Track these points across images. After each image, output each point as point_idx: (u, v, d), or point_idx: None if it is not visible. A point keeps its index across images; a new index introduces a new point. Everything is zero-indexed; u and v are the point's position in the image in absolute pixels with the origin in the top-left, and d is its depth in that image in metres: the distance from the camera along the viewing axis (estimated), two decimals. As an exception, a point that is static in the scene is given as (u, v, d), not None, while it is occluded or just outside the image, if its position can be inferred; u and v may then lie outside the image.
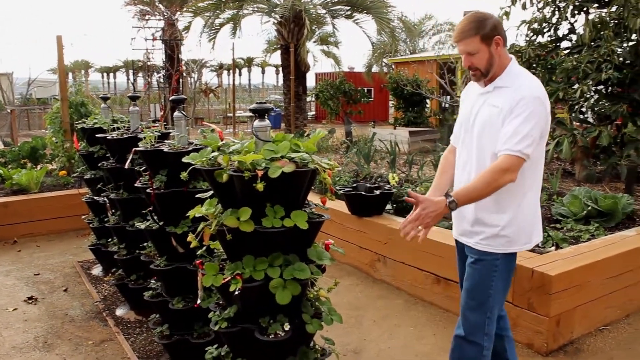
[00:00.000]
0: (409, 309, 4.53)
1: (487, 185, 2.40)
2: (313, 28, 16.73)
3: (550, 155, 7.15)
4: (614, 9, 7.12)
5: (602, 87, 7.64)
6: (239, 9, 16.23)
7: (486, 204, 2.57)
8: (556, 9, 8.04)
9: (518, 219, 2.58)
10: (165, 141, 3.61)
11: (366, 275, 5.32)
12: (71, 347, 3.90)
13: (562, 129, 7.55)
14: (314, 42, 21.17)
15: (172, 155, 3.22)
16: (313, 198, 2.59)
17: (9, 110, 15.98)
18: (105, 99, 5.32)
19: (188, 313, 3.36)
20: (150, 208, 3.52)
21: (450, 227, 4.76)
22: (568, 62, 7.29)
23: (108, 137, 4.30)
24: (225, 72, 40.04)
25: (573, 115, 7.88)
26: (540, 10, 8.21)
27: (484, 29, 2.48)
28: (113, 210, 4.59)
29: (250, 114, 2.44)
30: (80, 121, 5.46)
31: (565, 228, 4.89)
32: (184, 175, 2.76)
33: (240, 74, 62.01)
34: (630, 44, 7.43)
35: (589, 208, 5.07)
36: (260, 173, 2.17)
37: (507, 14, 8.28)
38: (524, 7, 8.29)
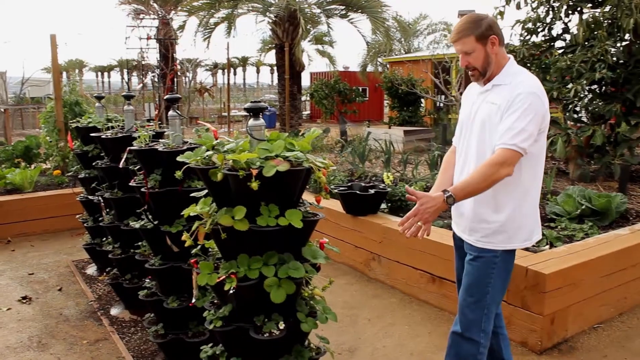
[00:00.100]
0: (403, 307, 4.54)
1: (484, 179, 2.42)
2: (308, 27, 16.71)
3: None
4: (607, 9, 7.14)
5: (595, 86, 7.67)
6: (234, 8, 16.20)
7: (486, 200, 2.59)
8: (550, 8, 8.07)
9: (518, 215, 2.60)
10: (160, 140, 3.60)
11: (361, 274, 5.32)
12: (66, 347, 3.89)
13: (556, 128, 7.58)
14: (309, 41, 21.16)
15: (167, 154, 3.22)
16: (308, 197, 2.60)
17: (2, 110, 15.91)
18: (99, 98, 5.31)
19: (183, 312, 3.36)
20: (145, 207, 3.52)
21: (445, 226, 4.78)
22: (562, 61, 7.31)
23: (102, 137, 4.30)
24: (220, 71, 39.93)
25: (567, 114, 7.91)
26: (535, 10, 8.23)
27: (479, 29, 2.53)
28: (107, 210, 4.58)
29: (245, 113, 2.44)
30: (74, 120, 5.44)
31: (559, 227, 4.91)
32: (178, 174, 2.75)
33: (235, 74, 61.94)
34: (624, 43, 7.47)
35: (583, 207, 5.09)
36: (254, 172, 2.17)
37: (501, 13, 8.30)
38: (518, 6, 8.32)
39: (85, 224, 5.15)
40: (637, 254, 4.38)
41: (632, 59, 7.21)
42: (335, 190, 5.43)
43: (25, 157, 8.17)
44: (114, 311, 4.45)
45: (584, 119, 8.02)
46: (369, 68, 24.59)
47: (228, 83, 17.09)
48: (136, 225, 3.59)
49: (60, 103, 7.64)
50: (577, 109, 7.91)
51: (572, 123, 8.06)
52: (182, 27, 16.19)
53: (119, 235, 4.33)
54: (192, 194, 2.65)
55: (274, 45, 17.14)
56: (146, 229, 3.48)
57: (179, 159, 2.51)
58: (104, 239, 4.85)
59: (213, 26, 16.47)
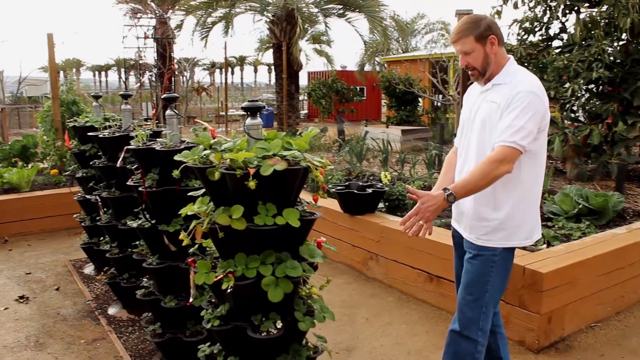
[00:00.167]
0: (401, 306, 4.54)
1: (484, 177, 2.43)
2: (305, 27, 16.72)
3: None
4: (604, 8, 7.16)
5: (592, 86, 7.70)
6: (231, 7, 16.20)
7: (486, 198, 2.60)
8: (547, 8, 8.09)
9: (518, 213, 2.61)
10: (157, 139, 3.60)
11: (359, 273, 5.33)
12: (63, 346, 3.89)
13: (553, 128, 7.59)
14: (307, 40, 21.16)
15: (164, 153, 3.22)
16: (305, 196, 2.60)
17: (-1, 109, 15.87)
18: (97, 97, 5.31)
19: (180, 311, 3.36)
20: (142, 206, 3.51)
21: (443, 225, 4.78)
22: (559, 61, 7.33)
23: (100, 136, 4.29)
24: (217, 70, 39.93)
25: (564, 113, 7.93)
26: (532, 10, 8.26)
27: (478, 29, 2.56)
28: (105, 209, 4.57)
29: (243, 113, 2.45)
30: (71, 119, 5.43)
31: (556, 226, 4.92)
32: (176, 173, 2.75)
33: (232, 73, 61.93)
34: (621, 43, 7.49)
35: (580, 206, 5.10)
36: (252, 171, 2.17)
37: (499, 12, 8.32)
38: (515, 6, 8.34)
39: (82, 224, 5.14)
40: (634, 253, 4.39)
41: (629, 58, 7.23)
42: (333, 190, 5.43)
43: (22, 157, 8.15)
44: (111, 310, 4.45)
45: (581, 118, 8.04)
46: (367, 67, 24.59)
47: (225, 82, 17.08)
48: (134, 224, 3.59)
49: (57, 102, 7.63)
50: (575, 108, 7.94)
51: (569, 122, 8.08)
52: (179, 26, 16.18)
53: (117, 235, 4.32)
54: (189, 193, 2.65)
55: (271, 45, 17.14)
56: (144, 228, 3.48)
57: (177, 158, 2.51)
58: (102, 238, 4.85)
59: (210, 25, 16.47)
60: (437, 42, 28.64)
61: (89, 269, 5.38)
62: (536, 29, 8.36)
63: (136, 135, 3.54)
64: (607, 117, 7.54)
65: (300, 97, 22.19)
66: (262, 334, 2.33)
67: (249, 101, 2.44)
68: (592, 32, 7.25)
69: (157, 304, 3.44)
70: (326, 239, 2.67)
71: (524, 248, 4.06)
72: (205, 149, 2.43)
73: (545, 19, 8.20)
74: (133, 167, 3.62)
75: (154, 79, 13.22)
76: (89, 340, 3.97)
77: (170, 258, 3.40)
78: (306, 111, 27.08)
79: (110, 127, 4.50)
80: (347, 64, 27.27)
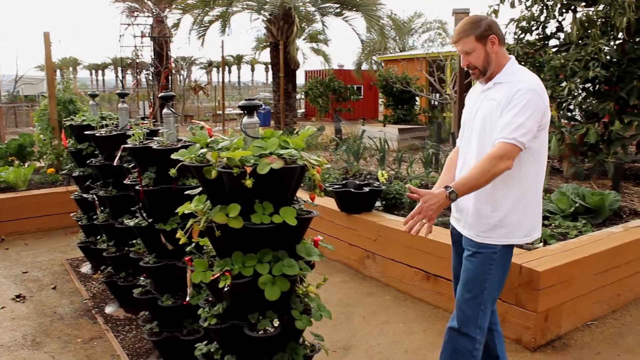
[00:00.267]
0: (398, 305, 4.55)
1: (484, 173, 2.45)
2: (302, 25, 16.68)
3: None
4: (600, 7, 7.18)
5: (589, 85, 7.71)
6: (228, 6, 16.17)
7: (486, 196, 2.62)
8: (544, 7, 8.10)
9: (518, 211, 2.63)
10: (154, 138, 3.60)
11: (355, 271, 5.33)
12: (60, 345, 3.88)
13: (550, 127, 7.60)
14: (304, 39, 21.11)
15: (161, 152, 3.22)
16: (302, 195, 2.60)
17: (-5, 108, 15.84)
18: (93, 96, 5.30)
19: (177, 310, 3.36)
20: (139, 205, 3.51)
21: (440, 224, 4.79)
22: (556, 60, 7.34)
23: (97, 135, 4.29)
24: (214, 69, 39.94)
25: (561, 112, 7.95)
26: (529, 9, 8.27)
27: (478, 29, 2.60)
28: (102, 208, 4.57)
29: (240, 112, 2.44)
30: (68, 118, 5.42)
31: (553, 225, 4.93)
32: (172, 172, 2.75)
33: (229, 72, 61.82)
34: (617, 42, 7.51)
35: (577, 205, 5.11)
36: (249, 169, 2.17)
37: (495, 12, 8.33)
38: (512, 5, 8.35)
39: (79, 222, 5.13)
40: (630, 251, 4.40)
41: (625, 57, 7.25)
42: (330, 188, 5.44)
43: (18, 156, 8.14)
44: (108, 309, 4.45)
45: (578, 117, 8.06)
46: (364, 66, 24.60)
47: (223, 81, 17.08)
48: (130, 223, 3.59)
49: (54, 101, 7.62)
50: (571, 107, 7.95)
51: (566, 121, 8.10)
52: (176, 25, 16.15)
53: (114, 234, 4.32)
54: (186, 192, 2.65)
55: (268, 44, 17.11)
56: (140, 227, 3.48)
57: (173, 156, 2.51)
58: (99, 237, 4.84)
59: (208, 24, 16.44)
60: (434, 41, 28.58)
61: (86, 268, 5.38)
62: (533, 28, 8.38)
63: (133, 134, 3.54)
64: (603, 116, 7.56)
65: (298, 96, 22.18)
66: (259, 333, 2.34)
67: (245, 100, 2.44)
68: (589, 31, 7.26)
69: (154, 303, 3.44)
70: (323, 237, 2.68)
71: (520, 246, 4.08)
72: (202, 148, 2.43)
73: (542, 18, 8.21)
74: (130, 166, 3.61)
75: (151, 77, 13.20)
76: (85, 339, 3.96)
77: (167, 257, 3.40)
78: (303, 110, 27.08)
79: (107, 125, 4.49)
80: (344, 62, 27.34)
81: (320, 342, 2.67)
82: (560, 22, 8.20)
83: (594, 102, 7.53)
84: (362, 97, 24.32)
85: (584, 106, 7.75)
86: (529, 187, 2.64)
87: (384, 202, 5.60)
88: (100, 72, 61.72)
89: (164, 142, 3.33)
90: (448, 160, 3.01)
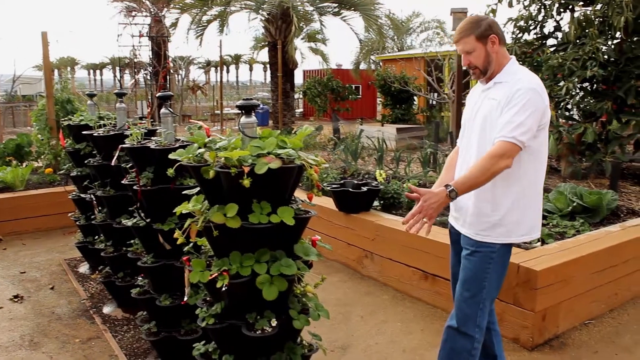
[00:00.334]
0: (396, 304, 4.55)
1: (484, 172, 2.47)
2: (301, 25, 16.67)
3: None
4: (598, 7, 7.19)
5: (587, 84, 7.72)
6: (227, 5, 16.17)
7: (485, 194, 2.63)
8: (542, 6, 8.11)
9: (517, 210, 2.64)
10: (152, 138, 3.59)
11: (354, 271, 5.33)
12: (58, 345, 3.88)
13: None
14: (302, 39, 21.12)
15: (159, 152, 3.21)
16: (300, 194, 2.60)
17: (-7, 108, 15.83)
18: (91, 95, 5.30)
19: (175, 310, 3.35)
20: (137, 205, 3.51)
21: (438, 224, 4.79)
22: (554, 59, 7.35)
23: (94, 134, 4.28)
24: (212, 69, 39.86)
25: (559, 112, 7.96)
26: (527, 8, 8.28)
27: (478, 29, 2.62)
28: (100, 208, 4.57)
29: (238, 111, 2.45)
30: (66, 118, 5.42)
31: (550, 224, 4.94)
32: (170, 171, 2.75)
33: (228, 71, 61.82)
34: (615, 41, 7.52)
35: (574, 204, 5.12)
36: (246, 169, 2.17)
37: (493, 11, 8.34)
38: (510, 4, 8.36)
39: (77, 222, 5.13)
40: (627, 250, 4.41)
41: (623, 56, 7.26)
42: (328, 188, 5.44)
43: (16, 155, 8.13)
44: (106, 309, 4.44)
45: (576, 117, 8.07)
46: (362, 66, 24.61)
47: (221, 81, 17.06)
48: (128, 223, 3.59)
49: (51, 101, 7.61)
50: (569, 106, 7.96)
51: (563, 120, 8.11)
52: (174, 25, 16.15)
53: (112, 234, 4.32)
54: (184, 192, 2.65)
55: (266, 43, 17.12)
56: (138, 226, 3.48)
57: (171, 156, 2.51)
58: (97, 237, 4.84)
59: (206, 24, 16.45)
60: (432, 41, 28.57)
61: (84, 268, 5.38)
62: (531, 28, 8.39)
63: (131, 134, 3.54)
64: (601, 116, 7.57)
65: (296, 96, 22.21)
66: (257, 332, 2.34)
67: (243, 99, 2.44)
68: (587, 30, 7.27)
69: (152, 303, 3.44)
70: (321, 237, 2.68)
71: (518, 246, 4.08)
72: (200, 148, 2.43)
73: (540, 18, 8.22)
74: (128, 166, 3.61)
75: (149, 77, 13.19)
76: (83, 339, 3.96)
77: (165, 257, 3.40)
78: (301, 110, 27.09)
79: (104, 125, 4.49)
80: (342, 62, 27.36)
81: (318, 341, 2.67)
82: (558, 22, 8.22)
83: (591, 101, 7.54)
84: (360, 96, 24.35)
85: (581, 105, 7.76)
86: (528, 186, 2.65)
87: (382, 202, 5.60)
88: (98, 71, 61.71)
89: (162, 142, 3.33)
90: (448, 160, 3.02)
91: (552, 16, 8.11)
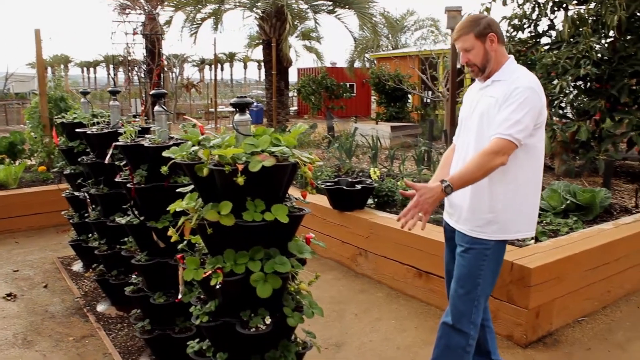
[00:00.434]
0: (390, 302, 4.56)
1: (480, 168, 2.48)
2: (295, 23, 16.68)
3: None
4: (592, 5, 7.22)
5: (580, 82, 7.75)
6: (221, 3, 16.14)
7: (481, 191, 2.65)
8: (536, 5, 8.14)
9: (513, 207, 2.66)
10: (146, 136, 3.58)
11: (348, 269, 5.34)
12: (51, 344, 3.87)
13: (542, 124, 7.64)
14: (296, 37, 21.13)
15: (153, 149, 3.21)
16: (294, 192, 2.60)
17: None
18: (85, 93, 5.28)
19: (169, 308, 3.35)
20: (131, 203, 3.50)
21: (432, 221, 4.80)
22: (548, 57, 7.37)
23: (88, 132, 4.27)
24: (207, 67, 39.77)
25: (552, 110, 7.98)
26: (521, 7, 8.30)
27: (477, 27, 2.65)
28: (93, 206, 4.55)
29: (232, 109, 2.45)
30: (59, 116, 5.39)
31: (544, 221, 4.95)
32: (164, 169, 2.74)
33: (222, 69, 61.70)
34: (608, 40, 7.55)
35: (568, 202, 5.14)
36: (240, 167, 2.17)
37: (488, 9, 8.36)
38: (504, 3, 8.38)
39: (70, 221, 5.11)
40: (620, 248, 4.43)
41: (616, 55, 7.28)
42: (322, 186, 5.44)
43: (9, 153, 8.09)
44: (100, 307, 4.43)
45: (569, 115, 8.09)
46: (357, 64, 24.63)
47: (215, 79, 17.02)
48: (122, 221, 3.58)
49: (45, 99, 7.58)
50: (563, 104, 7.99)
51: (557, 119, 8.13)
52: (168, 23, 16.10)
53: (105, 232, 4.30)
54: (178, 190, 2.65)
55: (261, 41, 17.10)
56: (132, 224, 3.47)
57: (165, 154, 2.50)
58: (90, 235, 4.82)
59: (200, 21, 16.41)
60: (427, 39, 28.64)
61: (78, 266, 5.36)
62: (525, 26, 8.41)
63: (125, 132, 3.53)
64: (594, 114, 7.59)
65: (290, 94, 22.19)
66: (251, 330, 2.34)
67: (237, 97, 2.44)
68: (580, 29, 7.29)
69: (146, 301, 3.43)
70: (315, 235, 2.68)
71: (512, 243, 4.09)
72: (193, 145, 2.43)
73: (534, 16, 8.25)
74: (121, 164, 3.60)
75: (142, 75, 13.14)
76: (77, 338, 3.95)
77: (159, 254, 3.40)
78: (296, 107, 27.07)
79: (98, 123, 4.47)
80: (336, 60, 27.36)
81: (313, 339, 2.68)
82: (552, 20, 8.24)
83: (585, 99, 7.57)
84: (354, 94, 24.33)
85: (575, 104, 7.79)
86: (524, 184, 2.67)
87: (376, 200, 5.61)
88: (91, 69, 61.50)
89: (156, 140, 3.32)
90: (444, 157, 3.04)
91: (546, 15, 8.13)
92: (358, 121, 16.77)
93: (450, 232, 2.92)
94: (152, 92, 3.45)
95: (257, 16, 16.14)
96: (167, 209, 2.51)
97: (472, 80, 2.90)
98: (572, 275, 4.03)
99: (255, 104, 20.31)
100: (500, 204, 2.64)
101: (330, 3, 16.58)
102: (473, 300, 2.72)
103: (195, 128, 2.60)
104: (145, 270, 3.45)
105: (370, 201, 5.56)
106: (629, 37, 7.44)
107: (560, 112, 8.08)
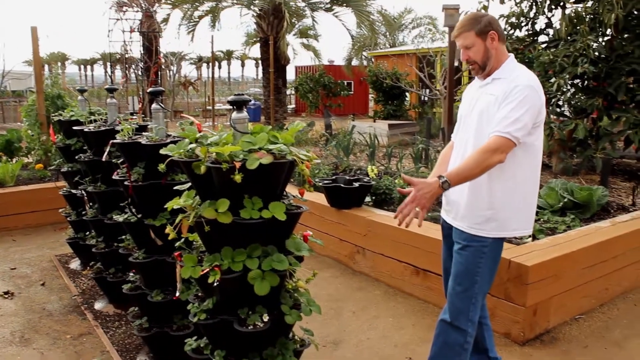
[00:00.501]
0: (388, 300, 4.56)
1: (478, 165, 2.49)
2: (292, 21, 16.65)
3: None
4: (589, 4, 7.22)
5: (578, 81, 7.76)
6: (218, 1, 16.11)
7: (479, 188, 2.65)
8: (533, 3, 8.14)
9: (511, 205, 2.66)
10: (143, 133, 3.58)
11: (345, 267, 5.34)
12: (49, 342, 3.86)
13: (539, 122, 7.65)
14: (294, 35, 21.09)
15: (150, 147, 3.20)
16: (292, 190, 2.60)
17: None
18: (82, 91, 5.26)
19: (167, 305, 3.35)
20: (128, 201, 3.50)
21: (429, 219, 4.80)
22: (545, 56, 7.38)
23: (85, 130, 4.26)
24: (204, 65, 39.77)
25: (550, 108, 7.99)
26: (518, 5, 8.30)
27: (478, 25, 2.66)
28: (91, 204, 4.55)
29: (230, 107, 2.46)
30: (56, 114, 5.39)
31: (542, 219, 4.96)
32: (161, 167, 2.74)
33: (219, 67, 61.71)
34: (606, 38, 7.55)
35: (565, 200, 5.15)
36: (238, 164, 2.17)
37: (485, 7, 8.37)
38: (501, 1, 8.38)
39: (68, 218, 5.11)
40: (617, 246, 4.44)
41: (613, 53, 7.29)
42: (320, 184, 5.44)
43: (6, 151, 8.06)
44: (97, 305, 4.43)
45: (567, 113, 8.10)
46: (354, 62, 24.63)
47: (213, 76, 17.00)
48: (120, 218, 3.57)
49: (42, 96, 7.57)
50: (560, 103, 8.00)
51: (555, 117, 8.14)
52: (166, 20, 16.05)
53: (103, 229, 4.30)
54: (175, 187, 2.64)
55: (258, 39, 17.06)
56: (130, 222, 3.47)
57: (162, 151, 2.50)
58: (88, 233, 4.82)
59: (197, 19, 16.37)
60: (424, 37, 28.66)
61: (75, 264, 5.35)
62: (522, 24, 8.41)
63: (122, 130, 3.52)
64: (592, 112, 7.61)
65: (288, 92, 22.16)
66: (249, 328, 2.34)
67: (234, 95, 2.44)
68: (578, 27, 7.30)
69: (144, 299, 3.43)
70: (313, 232, 2.68)
71: (509, 241, 4.10)
72: (191, 143, 2.43)
73: (532, 14, 8.24)
74: (119, 161, 3.60)
75: (140, 73, 13.11)
76: (75, 336, 3.95)
77: (156, 252, 3.39)
78: (294, 105, 27.07)
79: (95, 121, 4.47)
80: (334, 58, 27.31)
81: (310, 337, 2.68)
82: (549, 19, 8.25)
83: (582, 98, 7.58)
84: (352, 92, 24.34)
85: (572, 102, 7.79)
86: (522, 182, 2.67)
87: (373, 198, 5.61)
88: (89, 67, 61.46)
89: (153, 138, 3.32)
90: (441, 154, 3.05)
91: (544, 13, 8.14)
92: (356, 119, 16.76)
93: (447, 229, 2.93)
94: (150, 89, 3.44)
95: (255, 14, 16.10)
96: (165, 206, 2.50)
97: (470, 79, 2.91)
98: (569, 273, 4.04)
99: (252, 101, 20.30)
100: (498, 201, 2.64)
101: (327, 1, 16.55)
102: (471, 298, 2.72)
103: (193, 126, 2.59)
104: (143, 268, 3.44)
105: (367, 199, 5.56)
106: (626, 35, 7.44)
107: (558, 110, 8.09)
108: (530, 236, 4.40)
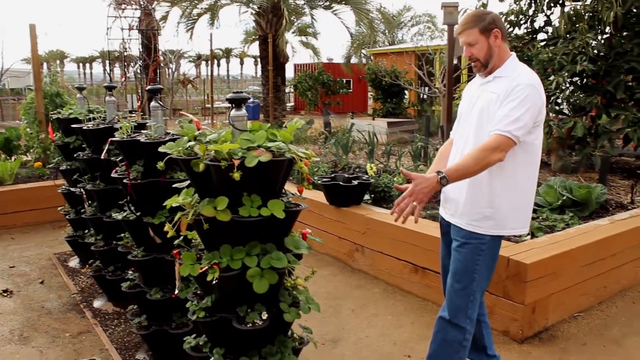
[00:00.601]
0: (387, 298, 4.56)
1: (477, 162, 2.49)
2: (292, 19, 16.64)
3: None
4: (588, 2, 7.22)
5: (577, 78, 7.76)
6: (217, -1, 16.10)
7: (479, 186, 2.66)
8: (532, 1, 8.13)
9: (510, 203, 2.67)
10: (142, 131, 3.58)
11: (344, 265, 5.34)
12: (48, 340, 3.86)
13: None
14: (293, 33, 21.08)
15: (149, 145, 3.20)
16: (291, 188, 2.60)
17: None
18: (81, 89, 5.26)
19: (166, 303, 3.35)
20: (127, 199, 3.50)
21: (428, 217, 4.81)
22: (544, 53, 7.38)
23: (84, 128, 4.26)
24: (203, 63, 39.71)
25: (549, 106, 7.99)
26: (517, 3, 8.30)
27: (482, 22, 2.65)
28: (90, 202, 4.55)
29: (229, 105, 2.46)
30: (55, 112, 5.38)
31: (540, 217, 4.96)
32: (160, 165, 2.74)
33: (218, 65, 61.67)
34: (604, 36, 7.55)
35: (564, 198, 5.15)
36: (236, 162, 2.16)
37: (484, 5, 8.36)
38: (500, -1, 8.38)
39: (67, 216, 5.10)
40: (616, 244, 4.44)
41: (612, 51, 7.29)
42: (319, 182, 5.44)
43: (5, 149, 8.06)
44: (96, 303, 4.43)
45: (566, 111, 8.11)
46: (353, 60, 24.57)
47: (212, 74, 17.01)
48: (119, 216, 3.57)
49: (40, 94, 7.56)
50: (559, 100, 8.00)
51: (553, 115, 8.15)
52: (164, 18, 16.04)
53: (102, 227, 4.30)
54: (174, 185, 2.64)
55: (257, 37, 17.06)
56: (129, 220, 3.47)
57: (161, 149, 2.50)
58: (86, 231, 4.82)
59: (196, 17, 16.35)
60: (424, 35, 28.67)
61: (74, 262, 5.35)
62: (521, 22, 8.41)
63: (121, 127, 3.52)
64: (590, 110, 7.61)
65: (287, 90, 22.15)
66: (248, 325, 2.34)
67: (233, 92, 2.43)
68: (577, 25, 7.30)
69: (143, 297, 3.43)
70: (312, 230, 2.69)
71: (508, 239, 4.11)
72: (190, 141, 2.43)
73: (531, 12, 8.24)
74: (117, 159, 3.60)
75: (139, 71, 13.09)
76: (74, 334, 3.95)
77: (155, 250, 3.39)
78: (292, 103, 27.05)
79: (94, 119, 4.46)
80: (333, 56, 27.31)
81: (309, 334, 2.68)
82: (548, 16, 8.24)
83: (581, 95, 7.58)
84: (351, 90, 24.32)
85: (571, 100, 7.80)
86: (522, 180, 2.68)
87: (372, 195, 5.61)
88: (87, 65, 61.32)
89: (152, 135, 3.31)
90: (440, 150, 3.05)
91: (543, 11, 8.13)
92: (355, 117, 16.77)
93: (446, 226, 2.93)
94: (148, 87, 3.44)
95: (254, 12, 16.08)
96: (164, 204, 2.51)
97: (469, 77, 2.91)
98: (568, 270, 4.04)
99: (251, 99, 20.29)
100: (497, 200, 2.65)
101: (327, -2, 16.56)
102: (469, 295, 2.73)
103: (192, 124, 2.59)
104: (142, 266, 3.44)
105: (366, 197, 5.56)
106: (625, 33, 7.44)
107: (557, 108, 8.10)
108: (529, 234, 4.41)
